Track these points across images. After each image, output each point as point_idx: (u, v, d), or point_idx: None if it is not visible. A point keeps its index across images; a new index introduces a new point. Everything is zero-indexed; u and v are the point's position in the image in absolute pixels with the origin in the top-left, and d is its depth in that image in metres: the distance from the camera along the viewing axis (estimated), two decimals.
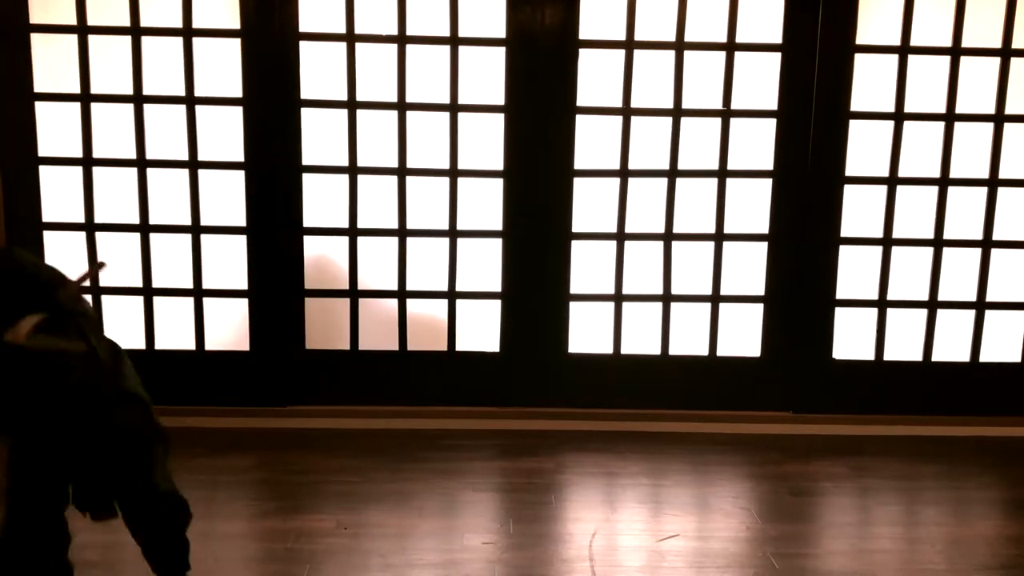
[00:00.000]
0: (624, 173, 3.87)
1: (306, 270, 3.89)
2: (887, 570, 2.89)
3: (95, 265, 2.35)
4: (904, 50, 3.80)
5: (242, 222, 3.85)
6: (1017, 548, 3.06)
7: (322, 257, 3.92)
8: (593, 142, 3.86)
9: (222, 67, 3.76)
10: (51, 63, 3.74)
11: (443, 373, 4.00)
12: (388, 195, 3.85)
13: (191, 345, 3.93)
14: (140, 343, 3.92)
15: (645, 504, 3.37)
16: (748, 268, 3.97)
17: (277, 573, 2.76)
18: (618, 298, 3.97)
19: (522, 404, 4.03)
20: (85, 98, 3.74)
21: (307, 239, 3.87)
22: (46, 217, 3.83)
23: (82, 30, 3.69)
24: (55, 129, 3.79)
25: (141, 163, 3.80)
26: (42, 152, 3.79)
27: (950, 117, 3.86)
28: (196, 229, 3.85)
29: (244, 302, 3.92)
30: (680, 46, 3.78)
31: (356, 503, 3.21)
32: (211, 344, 3.95)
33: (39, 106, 3.76)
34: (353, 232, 3.86)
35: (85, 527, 3.01)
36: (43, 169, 3.80)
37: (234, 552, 2.91)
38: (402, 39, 3.74)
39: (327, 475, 3.46)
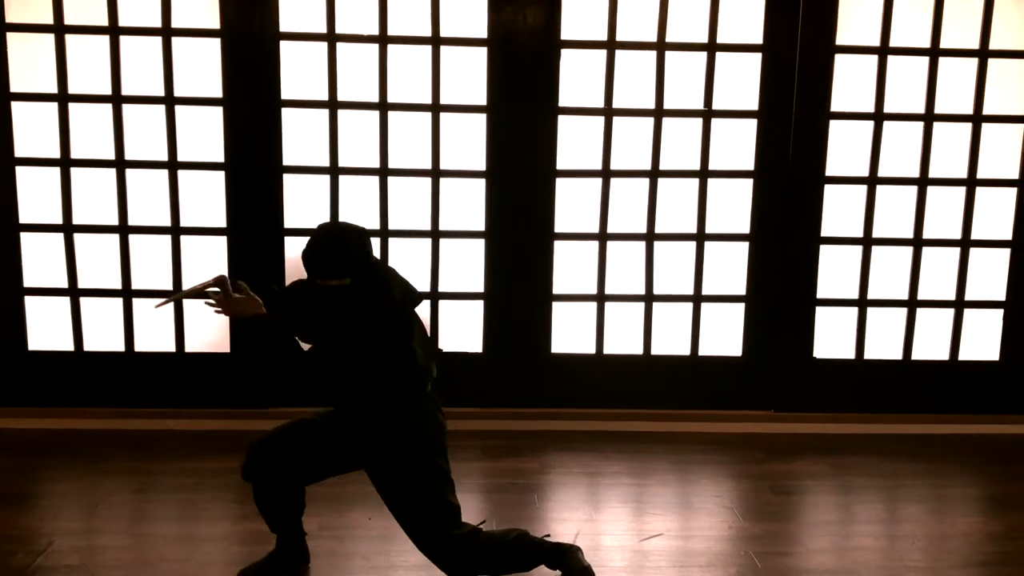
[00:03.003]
0: (606, 173, 3.87)
1: (287, 271, 3.87)
2: (869, 568, 2.91)
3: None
4: (884, 51, 3.83)
5: (222, 223, 3.82)
6: (997, 545, 3.08)
7: None
8: (575, 142, 3.86)
9: (202, 67, 3.73)
10: (28, 63, 3.70)
11: None
12: (370, 196, 3.83)
13: (171, 347, 3.91)
14: (120, 345, 3.89)
15: (628, 504, 3.38)
16: (729, 268, 3.98)
17: None
18: (601, 298, 3.97)
19: (505, 404, 4.02)
20: (63, 98, 3.71)
21: (288, 240, 3.85)
22: (23, 219, 3.79)
23: (59, 29, 3.66)
24: (32, 129, 3.75)
25: (120, 164, 3.76)
26: (19, 153, 3.74)
27: (929, 117, 3.89)
28: (176, 230, 3.82)
29: None
30: (661, 46, 3.78)
31: (339, 505, 3.19)
32: (192, 346, 3.92)
33: (15, 106, 3.72)
34: None
35: (60, 531, 2.98)
36: (20, 170, 3.76)
37: (217, 555, 2.89)
38: (383, 39, 3.73)
39: None
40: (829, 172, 3.91)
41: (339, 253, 2.46)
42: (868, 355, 4.06)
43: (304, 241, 2.48)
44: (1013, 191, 3.95)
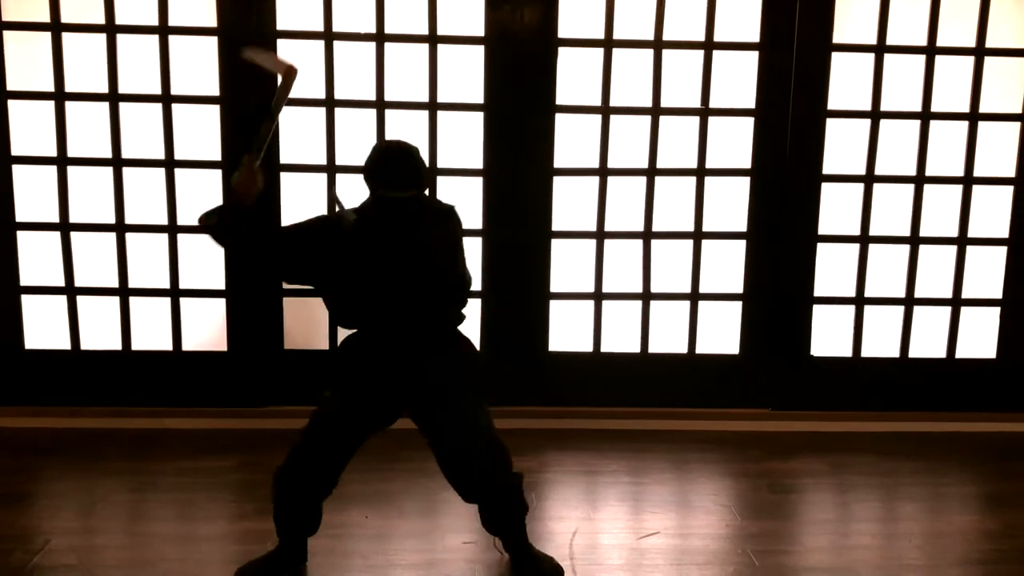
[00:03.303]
0: (603, 172, 3.87)
1: None
2: (866, 566, 2.91)
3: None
4: (880, 49, 3.83)
5: None
6: (994, 543, 3.09)
7: None
8: (572, 141, 3.85)
9: (199, 65, 3.73)
10: (24, 61, 3.69)
11: None
12: (366, 194, 3.82)
13: (168, 346, 3.90)
14: (116, 344, 3.88)
15: (626, 502, 3.38)
16: (727, 266, 3.99)
17: None
18: (598, 296, 3.97)
19: (503, 403, 4.00)
20: (59, 96, 3.70)
21: None
22: (20, 217, 3.78)
23: (56, 27, 3.65)
24: (29, 128, 3.74)
25: (117, 162, 3.76)
26: (15, 151, 3.74)
27: (926, 115, 3.90)
28: (173, 229, 3.82)
29: (222, 302, 3.89)
30: (659, 45, 3.78)
31: (337, 504, 3.17)
32: (188, 345, 3.92)
33: (12, 104, 3.71)
34: None
35: (57, 530, 2.98)
36: (16, 168, 3.76)
37: (215, 554, 2.89)
38: (380, 37, 3.73)
39: None
40: (826, 170, 3.91)
41: (411, 164, 2.56)
42: (865, 353, 4.07)
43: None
44: (1010, 189, 3.96)
